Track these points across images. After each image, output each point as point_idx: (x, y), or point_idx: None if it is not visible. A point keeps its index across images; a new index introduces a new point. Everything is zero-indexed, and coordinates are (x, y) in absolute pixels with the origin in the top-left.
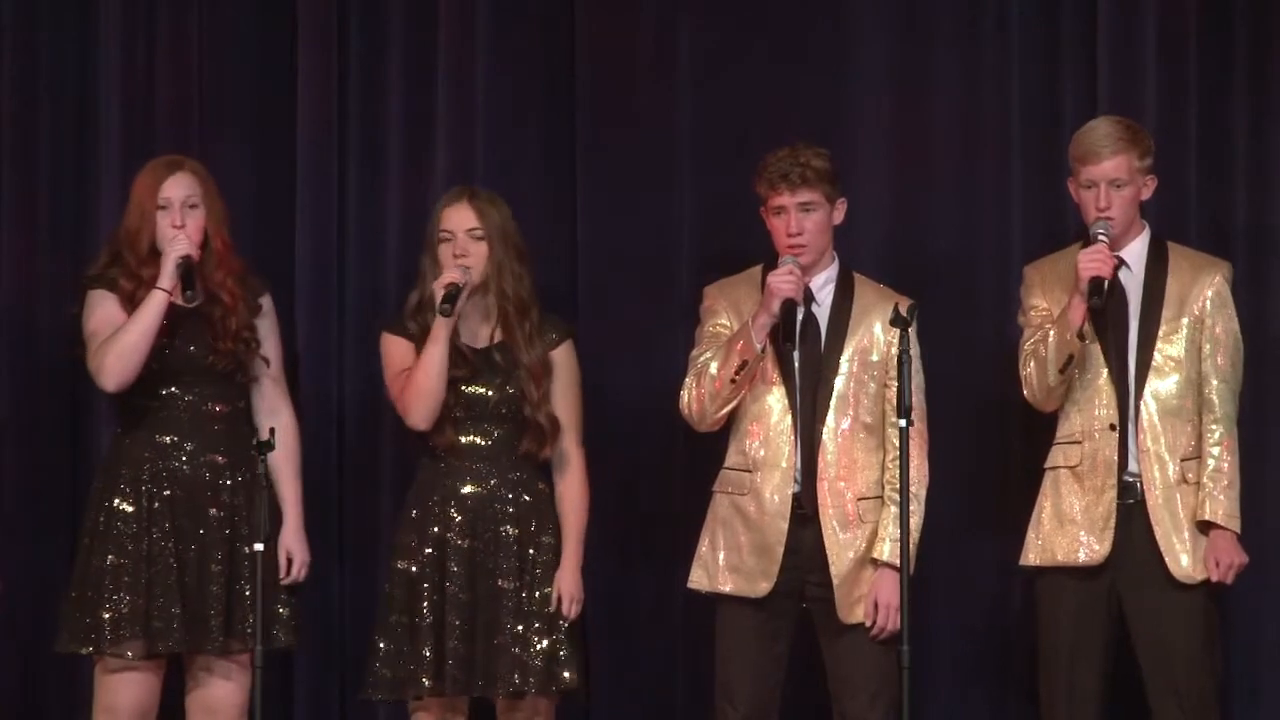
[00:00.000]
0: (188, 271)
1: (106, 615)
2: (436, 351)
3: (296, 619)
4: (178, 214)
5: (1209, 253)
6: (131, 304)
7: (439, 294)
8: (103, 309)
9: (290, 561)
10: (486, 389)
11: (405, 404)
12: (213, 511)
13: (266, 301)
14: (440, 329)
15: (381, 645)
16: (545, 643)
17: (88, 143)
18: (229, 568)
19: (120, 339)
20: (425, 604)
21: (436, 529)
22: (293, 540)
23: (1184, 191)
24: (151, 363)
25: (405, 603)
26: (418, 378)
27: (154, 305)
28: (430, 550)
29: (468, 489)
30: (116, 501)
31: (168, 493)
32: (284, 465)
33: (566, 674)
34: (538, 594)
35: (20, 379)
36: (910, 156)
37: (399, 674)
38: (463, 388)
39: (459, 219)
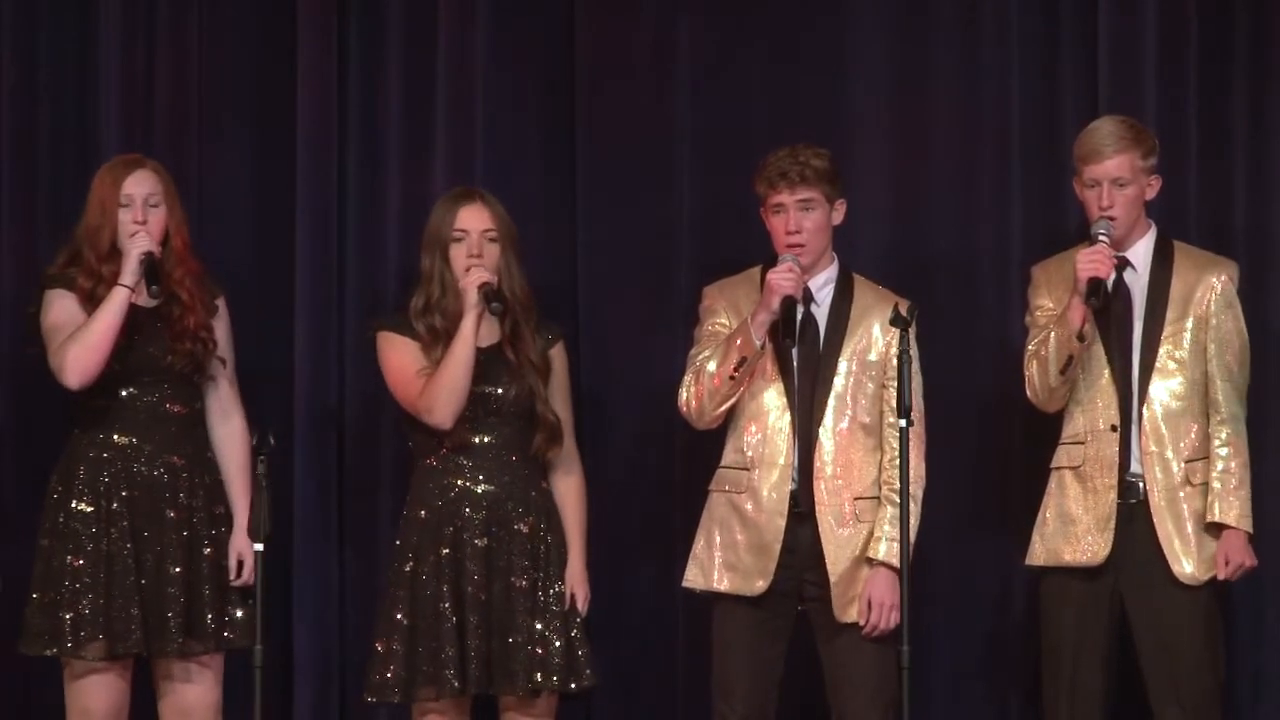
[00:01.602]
0: (151, 268)
1: (68, 617)
2: (469, 348)
3: (252, 619)
4: (140, 211)
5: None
6: (90, 302)
7: (473, 294)
8: (61, 307)
9: (240, 564)
10: (497, 388)
11: (430, 402)
12: (170, 514)
13: (221, 304)
14: (472, 326)
15: (394, 647)
16: (563, 640)
17: (88, 143)
18: (187, 569)
19: (83, 336)
20: (445, 604)
21: (452, 529)
22: (242, 543)
23: (1184, 191)
24: (111, 363)
25: (417, 604)
26: (448, 376)
27: (117, 301)
28: (446, 551)
29: (483, 488)
30: (74, 502)
31: (125, 494)
32: (234, 468)
33: (588, 670)
34: (552, 591)
35: (20, 379)
36: (910, 156)
37: (415, 675)
38: (474, 387)
39: (475, 219)
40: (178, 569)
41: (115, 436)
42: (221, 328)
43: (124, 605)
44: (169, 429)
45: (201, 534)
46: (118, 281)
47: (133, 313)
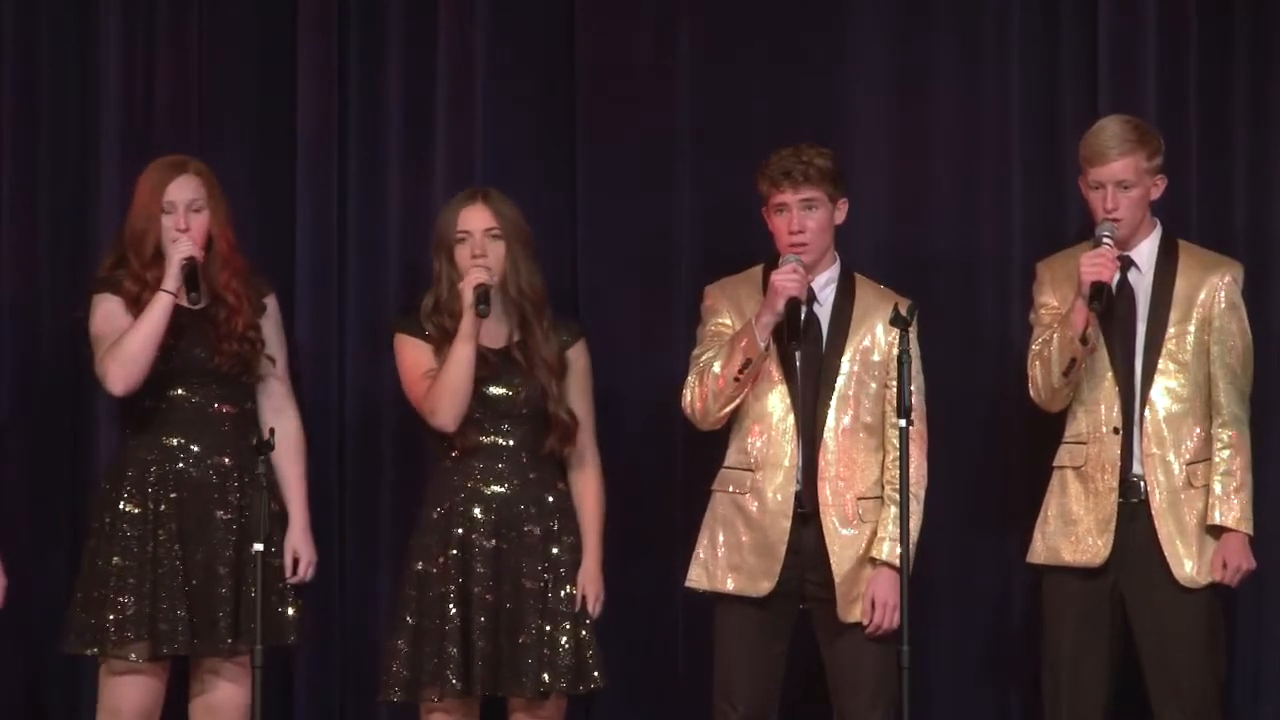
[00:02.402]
0: (192, 273)
1: (111, 617)
2: (468, 350)
3: (302, 618)
4: (182, 216)
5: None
6: (136, 306)
7: (469, 294)
8: (106, 312)
9: (297, 561)
10: (508, 389)
11: (433, 405)
12: (220, 514)
13: (271, 302)
14: (470, 327)
15: (400, 646)
16: (572, 642)
17: (88, 143)
18: (236, 570)
19: (126, 343)
20: (451, 605)
21: (460, 530)
22: (299, 540)
23: (1184, 191)
24: (158, 365)
25: (425, 604)
26: (449, 378)
27: (159, 308)
28: (454, 552)
29: (493, 489)
30: (122, 504)
31: (174, 495)
32: (289, 466)
33: (596, 673)
34: (562, 593)
35: (21, 380)
36: (910, 156)
37: (419, 675)
38: (483, 389)
39: (476, 219)
40: (226, 570)
41: (164, 437)
42: (270, 326)
43: (170, 607)
44: (218, 429)
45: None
46: (160, 287)
47: (180, 315)
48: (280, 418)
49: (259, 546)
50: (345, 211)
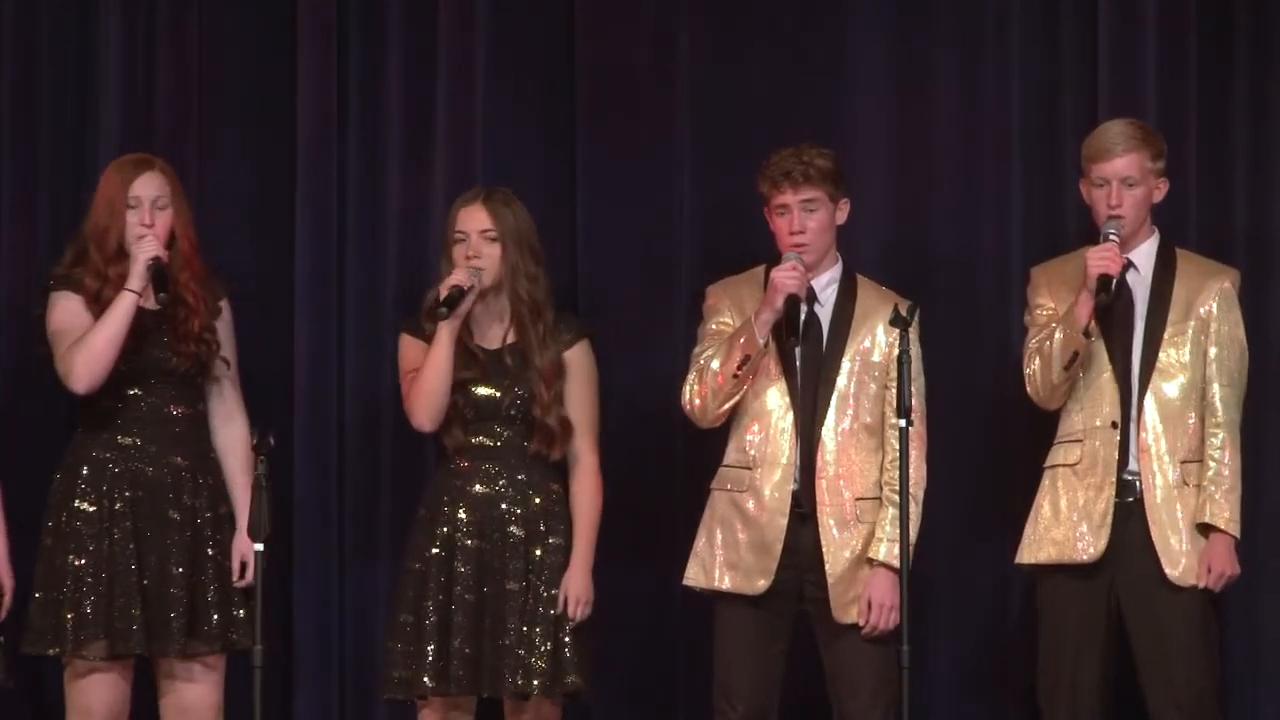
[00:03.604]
0: (159, 273)
1: (70, 616)
2: (439, 354)
3: (253, 620)
4: (147, 213)
5: (1209, 254)
6: (97, 303)
7: (442, 295)
8: (66, 309)
9: (244, 565)
10: (496, 390)
11: (409, 406)
12: (173, 514)
13: (225, 305)
14: (443, 331)
15: (391, 645)
16: (550, 645)
17: (88, 143)
18: (190, 570)
19: (90, 341)
20: (430, 604)
21: (445, 529)
22: (244, 544)
23: (1184, 192)
24: (119, 364)
25: (414, 603)
26: (421, 379)
27: (124, 307)
28: (438, 550)
29: (476, 489)
30: (77, 502)
31: (129, 494)
32: (237, 469)
33: (570, 677)
34: (544, 596)
35: (21, 379)
36: (910, 156)
37: (406, 673)
38: (472, 389)
39: (472, 220)
40: (180, 569)
41: (119, 437)
42: (225, 329)
43: (126, 605)
44: (172, 430)
45: (205, 535)
46: (125, 286)
47: (138, 315)
48: (230, 422)
49: (260, 547)
50: (345, 211)
